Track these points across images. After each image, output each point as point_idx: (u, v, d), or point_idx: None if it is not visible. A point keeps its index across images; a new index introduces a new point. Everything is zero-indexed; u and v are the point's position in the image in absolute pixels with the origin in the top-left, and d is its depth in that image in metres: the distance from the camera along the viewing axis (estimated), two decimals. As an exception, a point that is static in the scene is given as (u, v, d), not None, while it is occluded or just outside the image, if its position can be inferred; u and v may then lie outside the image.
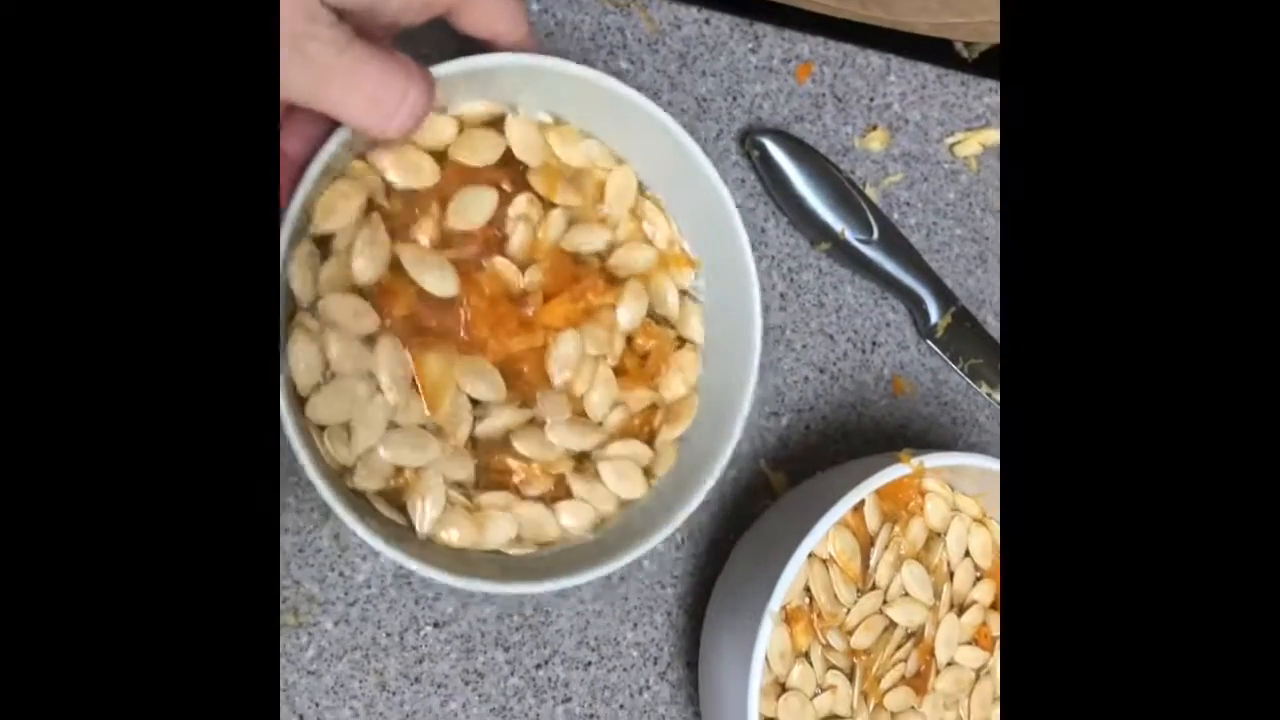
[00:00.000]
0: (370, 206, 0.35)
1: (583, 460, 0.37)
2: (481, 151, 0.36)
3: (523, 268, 0.36)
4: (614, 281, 0.38)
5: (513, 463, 0.36)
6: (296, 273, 0.34)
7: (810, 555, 0.40)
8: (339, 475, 0.34)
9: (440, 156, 0.36)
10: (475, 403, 0.35)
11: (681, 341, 0.39)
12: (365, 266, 0.34)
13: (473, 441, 0.36)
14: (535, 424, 0.36)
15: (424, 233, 0.35)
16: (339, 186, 0.34)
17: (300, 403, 0.34)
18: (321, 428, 0.34)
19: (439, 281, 0.35)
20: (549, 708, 0.41)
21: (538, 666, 0.41)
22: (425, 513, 0.34)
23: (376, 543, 0.32)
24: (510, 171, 0.37)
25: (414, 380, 0.35)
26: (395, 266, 0.35)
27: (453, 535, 0.35)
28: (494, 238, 0.36)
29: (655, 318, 0.39)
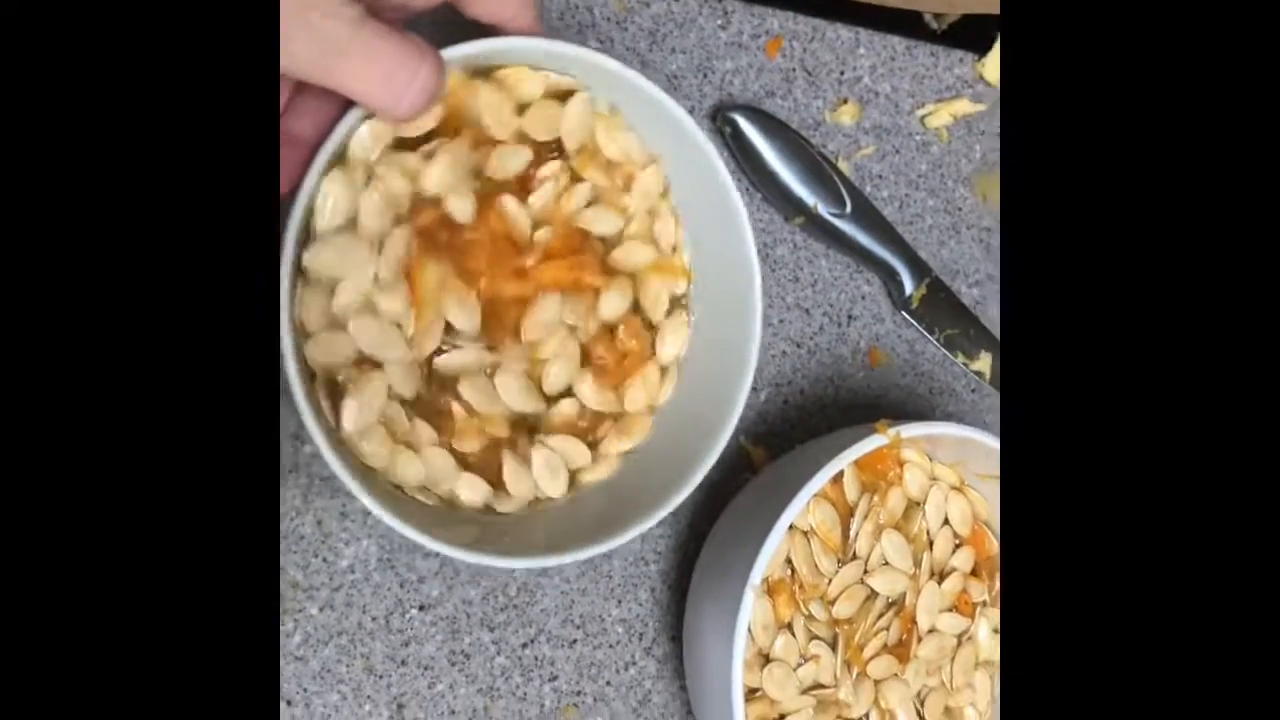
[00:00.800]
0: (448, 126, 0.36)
1: (517, 433, 0.37)
2: (545, 125, 0.37)
3: (536, 225, 0.37)
4: (609, 271, 0.39)
5: (455, 407, 0.36)
6: (364, 134, 0.34)
7: (791, 527, 0.40)
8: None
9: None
10: (449, 331, 0.36)
11: (654, 352, 0.40)
12: (440, 174, 0.35)
13: (429, 369, 0.36)
14: (488, 376, 0.37)
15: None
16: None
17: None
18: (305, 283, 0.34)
19: (460, 205, 0.36)
20: (536, 686, 0.41)
21: (524, 646, 0.41)
22: (356, 413, 0.34)
23: (308, 418, 0.32)
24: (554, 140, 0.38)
25: (408, 283, 0.35)
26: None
27: (366, 448, 0.35)
28: (518, 190, 0.37)
29: (644, 320, 0.39)
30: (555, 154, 0.38)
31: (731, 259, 0.38)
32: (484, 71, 0.36)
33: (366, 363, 0.35)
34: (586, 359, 0.38)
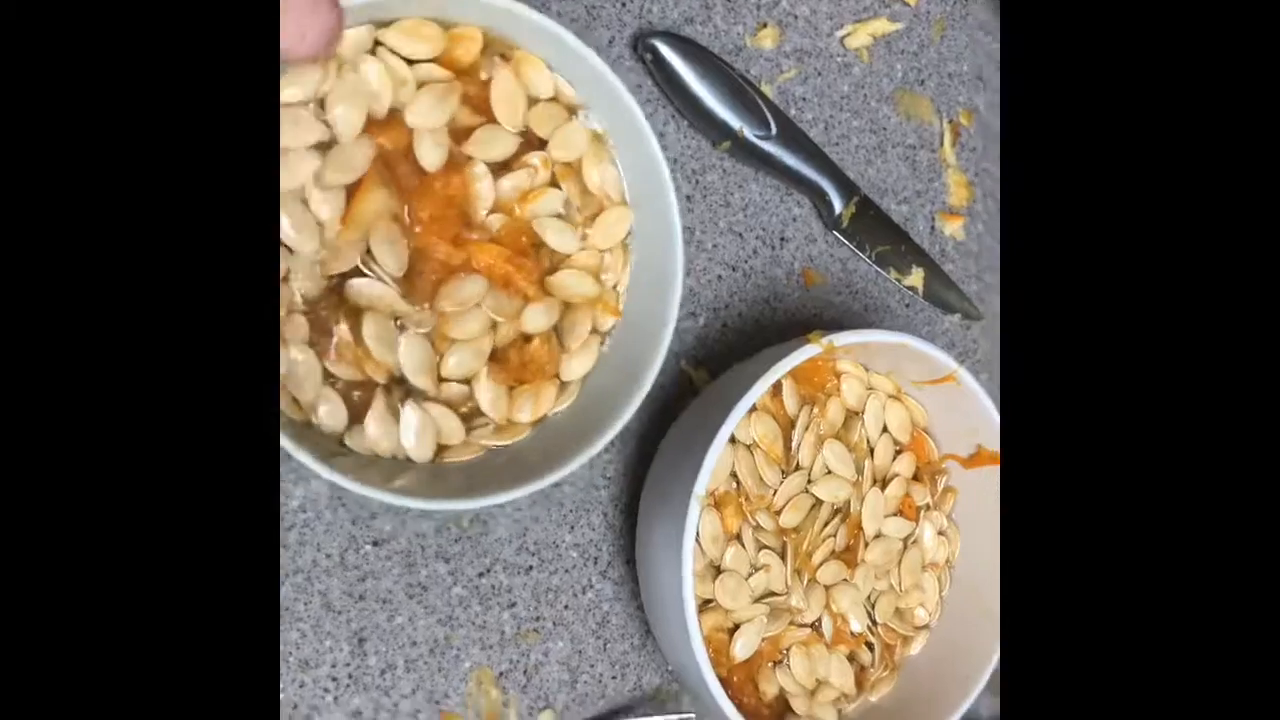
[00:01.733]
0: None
1: (393, 385, 0.37)
2: (546, 126, 0.39)
3: (494, 209, 0.38)
4: (544, 287, 0.39)
5: (344, 332, 0.36)
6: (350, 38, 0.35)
7: (734, 441, 0.41)
8: None
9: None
10: (372, 258, 0.36)
11: (557, 371, 0.40)
12: (425, 111, 0.36)
13: (339, 283, 0.36)
14: (395, 325, 0.37)
15: (456, 118, 0.37)
16: (424, 29, 0.36)
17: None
18: None
19: (430, 154, 0.37)
20: (495, 613, 0.42)
21: (480, 575, 0.42)
22: None
23: None
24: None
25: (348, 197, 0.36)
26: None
27: None
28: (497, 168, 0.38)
29: (559, 341, 0.40)
30: (538, 147, 0.39)
31: (650, 192, 0.39)
32: (499, 49, 0.38)
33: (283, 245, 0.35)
34: (492, 355, 0.38)
